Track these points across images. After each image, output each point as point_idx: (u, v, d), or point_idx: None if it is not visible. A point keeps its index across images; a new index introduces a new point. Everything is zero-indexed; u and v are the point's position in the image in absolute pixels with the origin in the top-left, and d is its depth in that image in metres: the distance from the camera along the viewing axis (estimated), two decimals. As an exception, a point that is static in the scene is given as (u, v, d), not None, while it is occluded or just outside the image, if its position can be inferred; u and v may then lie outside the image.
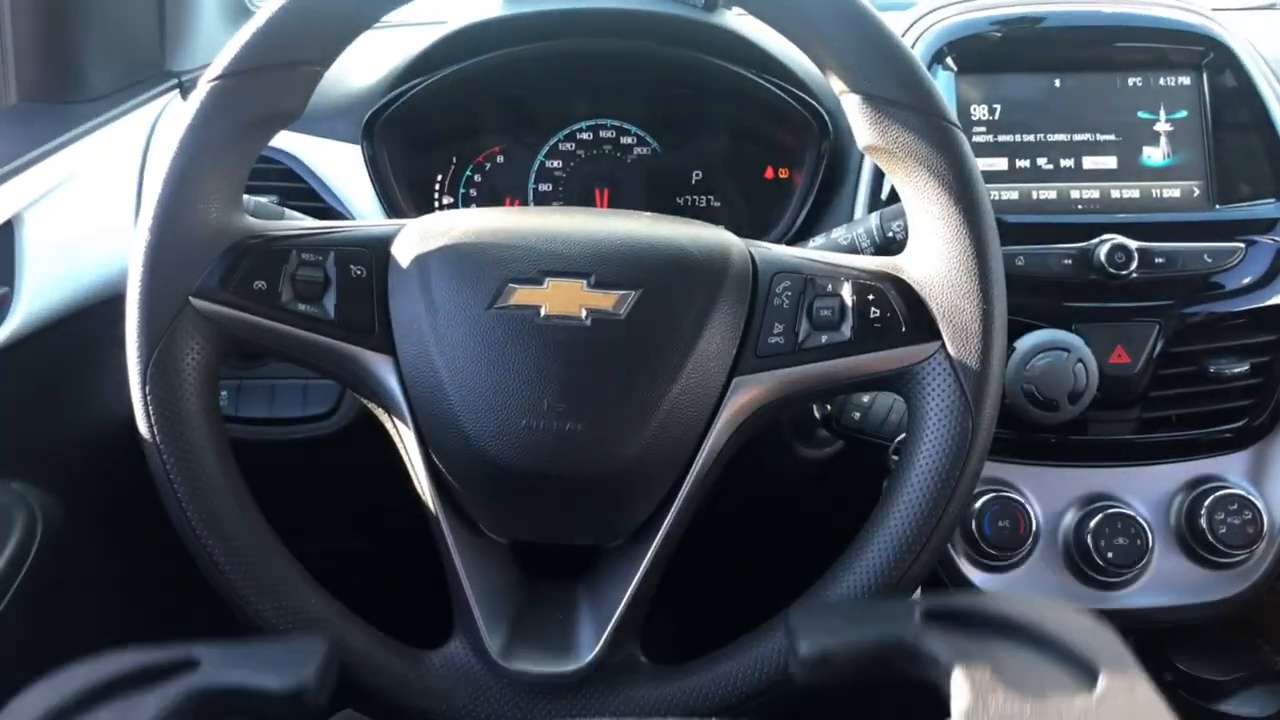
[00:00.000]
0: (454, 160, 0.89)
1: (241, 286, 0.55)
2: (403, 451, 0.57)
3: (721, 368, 0.54)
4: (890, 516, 0.53)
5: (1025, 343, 0.73)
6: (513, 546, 0.59)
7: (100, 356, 0.81)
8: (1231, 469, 0.79)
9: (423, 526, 0.57)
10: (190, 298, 0.54)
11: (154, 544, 0.63)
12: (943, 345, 0.54)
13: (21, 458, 0.76)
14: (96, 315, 0.79)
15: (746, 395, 0.55)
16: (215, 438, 0.54)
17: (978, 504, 0.77)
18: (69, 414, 0.81)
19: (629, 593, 0.55)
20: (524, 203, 0.89)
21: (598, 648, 0.54)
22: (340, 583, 0.58)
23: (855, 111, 0.54)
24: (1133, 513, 0.77)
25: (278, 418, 0.82)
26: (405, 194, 0.85)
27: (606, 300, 0.54)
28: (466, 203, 0.89)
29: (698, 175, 0.89)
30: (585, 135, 0.89)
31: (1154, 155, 0.81)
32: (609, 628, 0.54)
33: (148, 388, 0.53)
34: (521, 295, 0.54)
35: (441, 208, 0.89)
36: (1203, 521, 0.76)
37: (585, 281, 0.54)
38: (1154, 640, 0.83)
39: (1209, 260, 0.77)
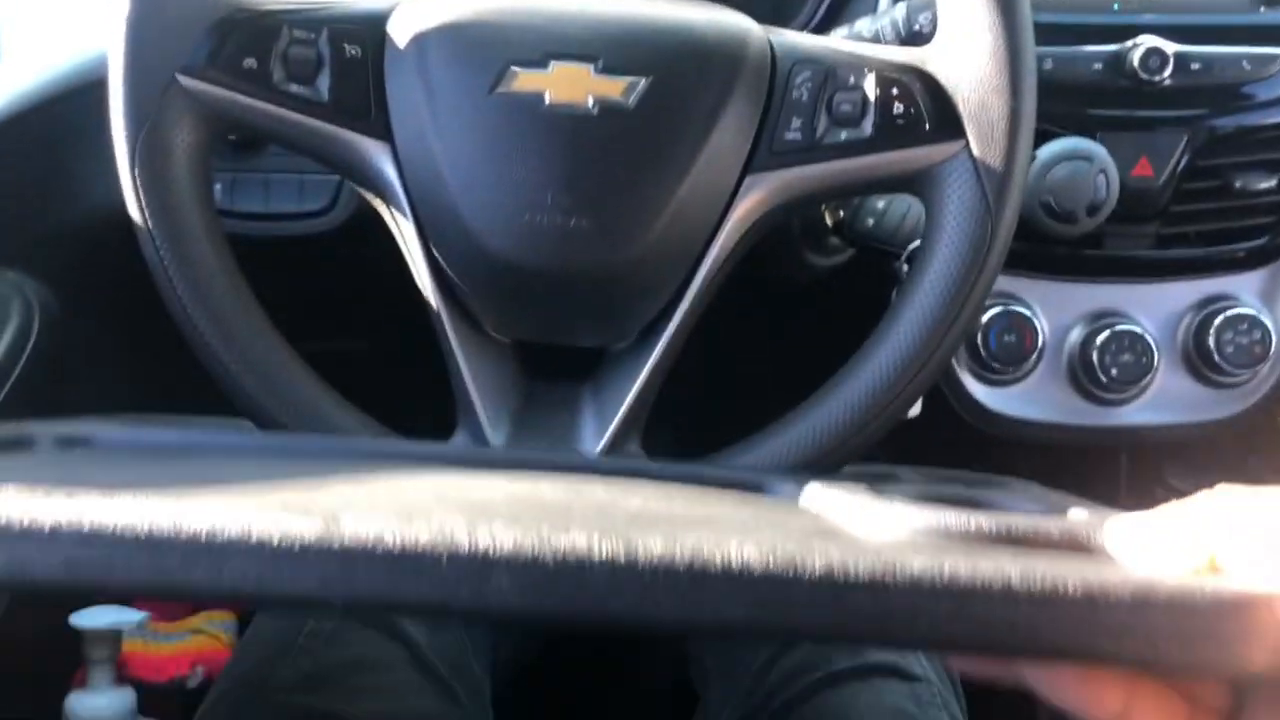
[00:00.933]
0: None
1: (231, 64, 0.51)
2: (402, 245, 0.55)
3: (734, 163, 0.52)
4: (901, 320, 0.52)
5: (1046, 151, 0.71)
6: (516, 346, 0.58)
7: (89, 144, 0.78)
8: (1244, 288, 0.78)
9: (424, 325, 0.56)
10: (177, 74, 0.51)
11: (153, 336, 0.62)
12: (966, 145, 0.51)
13: (15, 248, 0.74)
14: (81, 100, 0.76)
15: (760, 194, 0.53)
16: (210, 226, 0.53)
17: (985, 317, 0.76)
18: (62, 204, 0.79)
19: (633, 393, 0.54)
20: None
21: (602, 442, 0.54)
22: (341, 383, 0.58)
23: None
24: (1140, 330, 0.76)
25: (273, 212, 0.80)
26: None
27: (614, 87, 0.51)
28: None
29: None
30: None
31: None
32: (612, 425, 0.54)
33: (137, 170, 0.51)
34: (524, 80, 0.51)
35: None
36: (1210, 340, 0.76)
37: (592, 66, 0.51)
38: (1151, 458, 0.84)
39: (1247, 67, 0.73)
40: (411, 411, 0.57)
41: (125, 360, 0.57)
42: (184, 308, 0.52)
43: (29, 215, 0.76)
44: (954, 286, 0.51)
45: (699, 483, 0.43)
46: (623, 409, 0.54)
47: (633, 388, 0.54)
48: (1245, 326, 0.75)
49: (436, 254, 0.54)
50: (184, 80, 0.51)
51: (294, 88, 0.52)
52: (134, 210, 0.51)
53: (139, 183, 0.51)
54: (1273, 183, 0.75)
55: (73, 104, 0.75)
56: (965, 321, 0.52)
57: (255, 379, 0.53)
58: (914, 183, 0.53)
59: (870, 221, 0.66)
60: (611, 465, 0.48)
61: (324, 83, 0.52)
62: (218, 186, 0.78)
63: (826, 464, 0.52)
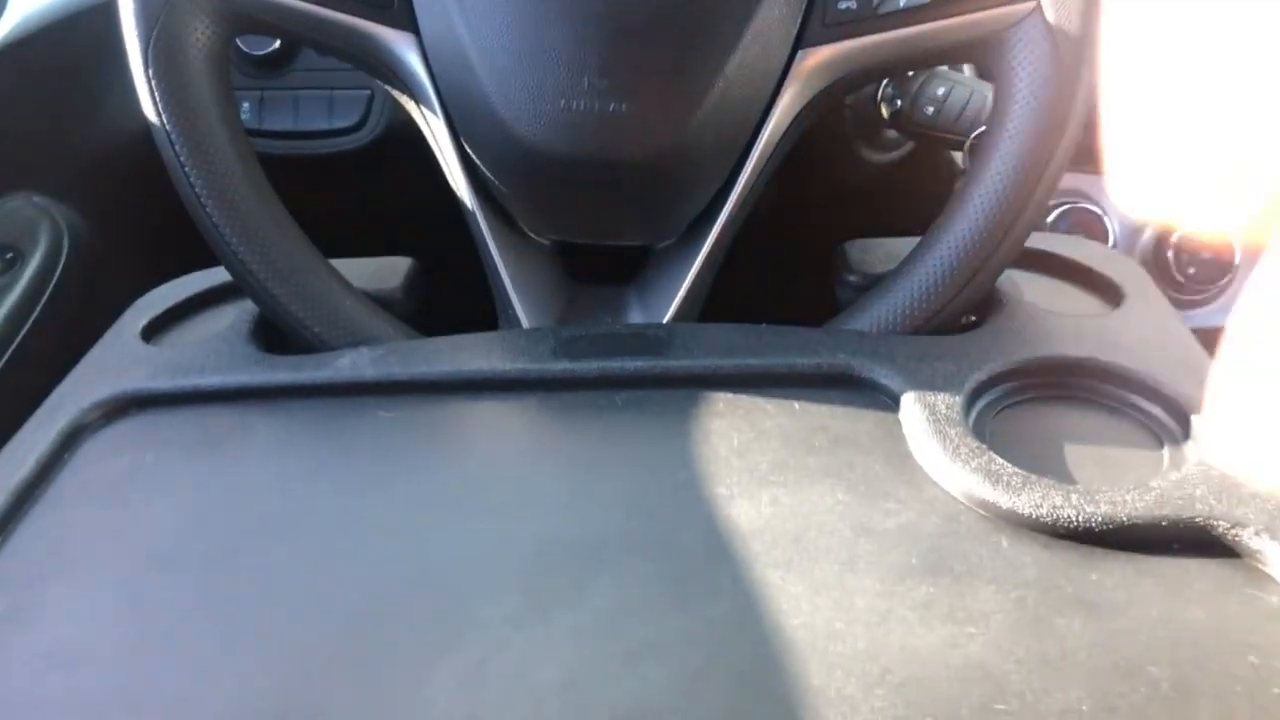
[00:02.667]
0: None
1: None
2: (434, 145, 0.52)
3: (785, 37, 0.48)
4: (969, 204, 0.48)
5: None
6: (557, 249, 0.55)
7: (105, 62, 0.76)
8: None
9: (462, 234, 0.54)
10: None
11: (181, 251, 0.61)
12: (1038, 5, 0.47)
13: (40, 170, 0.73)
14: (96, 18, 0.74)
15: (812, 70, 0.49)
16: (231, 126, 0.50)
17: (1051, 217, 0.72)
18: (83, 124, 0.77)
19: (681, 293, 0.51)
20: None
21: None
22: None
23: None
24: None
25: (303, 130, 0.78)
26: None
27: (654, -41, 0.47)
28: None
29: None
30: None
31: None
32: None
33: (150, 72, 0.48)
34: (558, -44, 0.47)
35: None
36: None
37: (630, -62, 0.47)
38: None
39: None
40: (457, 323, 0.55)
41: (152, 278, 0.55)
42: (207, 212, 0.50)
43: (52, 137, 0.75)
44: (1026, 163, 0.48)
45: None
46: (671, 309, 0.51)
47: (681, 287, 0.51)
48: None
49: (470, 150, 0.51)
50: None
51: None
52: (150, 113, 0.49)
53: (153, 85, 0.49)
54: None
55: (87, 22, 0.73)
56: (1041, 199, 0.48)
57: (284, 286, 0.50)
58: (981, 51, 0.49)
59: (930, 110, 0.62)
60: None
61: None
62: (245, 105, 0.76)
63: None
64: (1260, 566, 0.34)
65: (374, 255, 0.56)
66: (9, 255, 0.67)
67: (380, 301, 0.53)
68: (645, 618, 0.34)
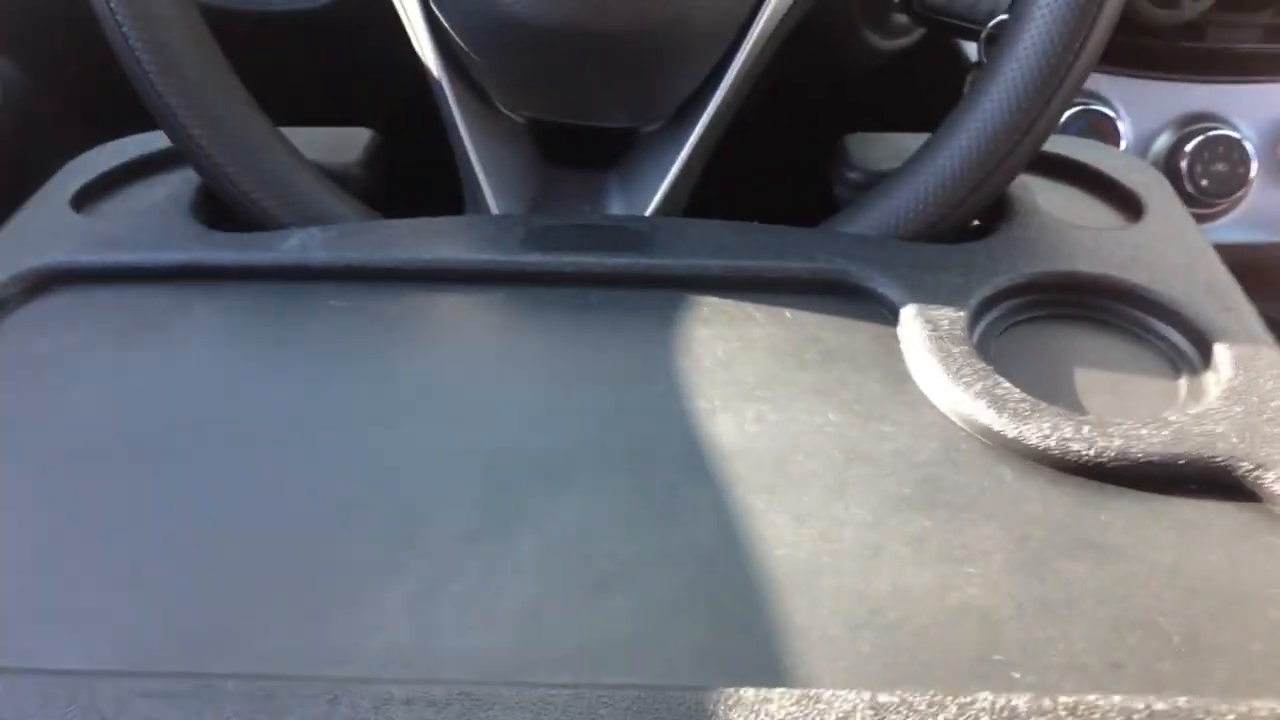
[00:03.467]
0: None
1: None
2: (399, 5, 0.47)
3: None
4: (984, 100, 0.44)
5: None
6: (532, 127, 0.51)
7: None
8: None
9: (429, 107, 0.49)
10: None
11: (124, 115, 0.56)
12: None
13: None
14: None
15: (822, -62, 0.44)
16: None
17: (1061, 119, 0.67)
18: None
19: (667, 183, 0.47)
20: None
21: None
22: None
23: None
24: (1237, 135, 0.68)
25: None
26: None
27: None
28: None
29: None
30: None
31: None
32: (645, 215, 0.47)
33: None
34: None
35: None
36: (1317, 148, 0.67)
37: None
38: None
39: None
40: (420, 203, 0.50)
41: (92, 143, 0.50)
42: (143, 69, 0.45)
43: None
44: (1050, 61, 0.43)
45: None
46: (656, 198, 0.47)
47: (667, 175, 0.47)
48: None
49: (438, 13, 0.46)
50: None
51: None
52: None
53: None
54: None
55: None
56: (1065, 97, 0.43)
57: (230, 155, 0.46)
58: None
59: (945, -7, 0.57)
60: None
61: None
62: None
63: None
64: None
65: (334, 121, 0.51)
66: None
67: (336, 176, 0.49)
68: (614, 540, 0.31)
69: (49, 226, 0.45)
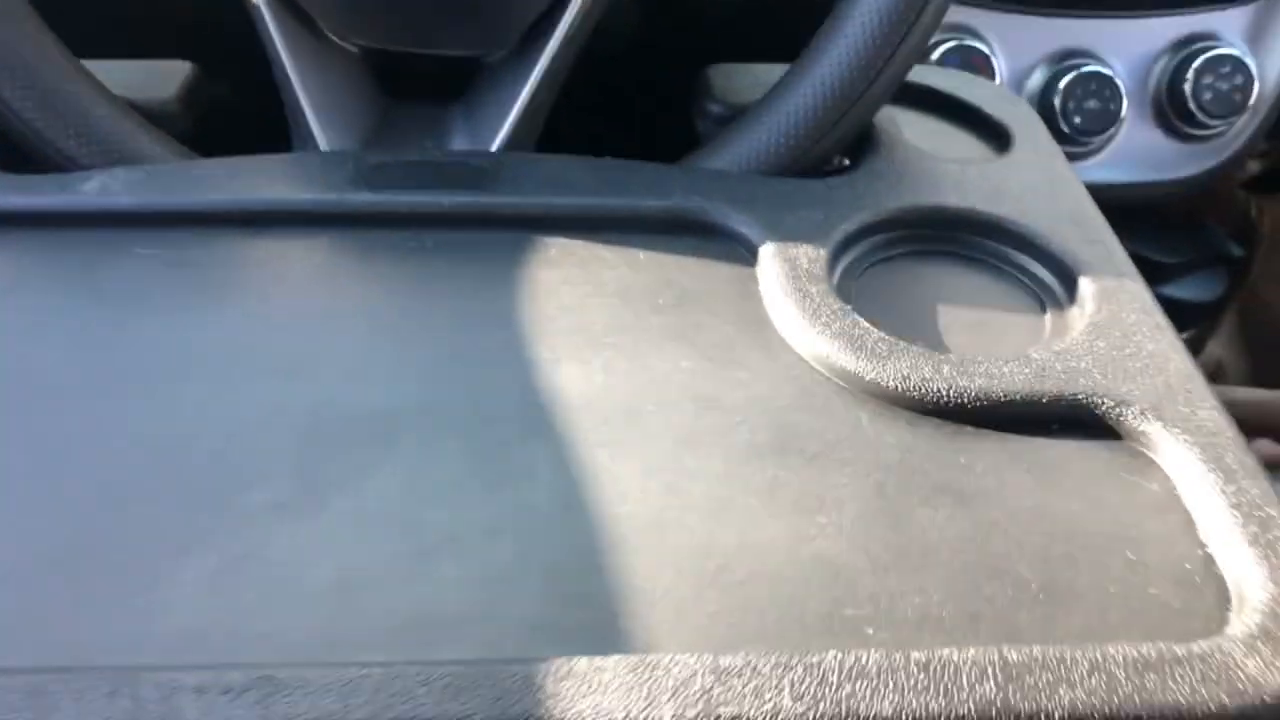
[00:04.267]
0: None
1: None
2: None
3: None
4: (846, 26, 0.42)
5: None
6: (366, 57, 0.46)
7: None
8: (1229, 26, 0.69)
9: (250, 35, 0.44)
10: None
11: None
12: None
13: None
14: None
15: None
16: None
17: (935, 54, 0.66)
18: None
19: (512, 115, 0.44)
20: None
21: None
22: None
23: None
24: (1110, 72, 0.67)
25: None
26: None
27: None
28: None
29: None
30: None
31: None
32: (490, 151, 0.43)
33: None
34: None
35: None
36: (1187, 85, 0.67)
37: None
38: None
39: None
40: (245, 142, 0.46)
41: None
42: None
43: None
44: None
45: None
46: (502, 132, 0.43)
47: (513, 109, 0.43)
48: (1227, 70, 0.67)
49: (253, -74, 0.41)
50: None
51: None
52: None
53: None
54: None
55: None
56: (928, 24, 0.41)
57: (21, 89, 0.41)
58: None
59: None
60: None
61: None
62: None
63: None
64: (1144, 451, 0.31)
65: (145, 52, 0.47)
66: None
67: (149, 114, 0.44)
68: (443, 505, 0.28)
69: None
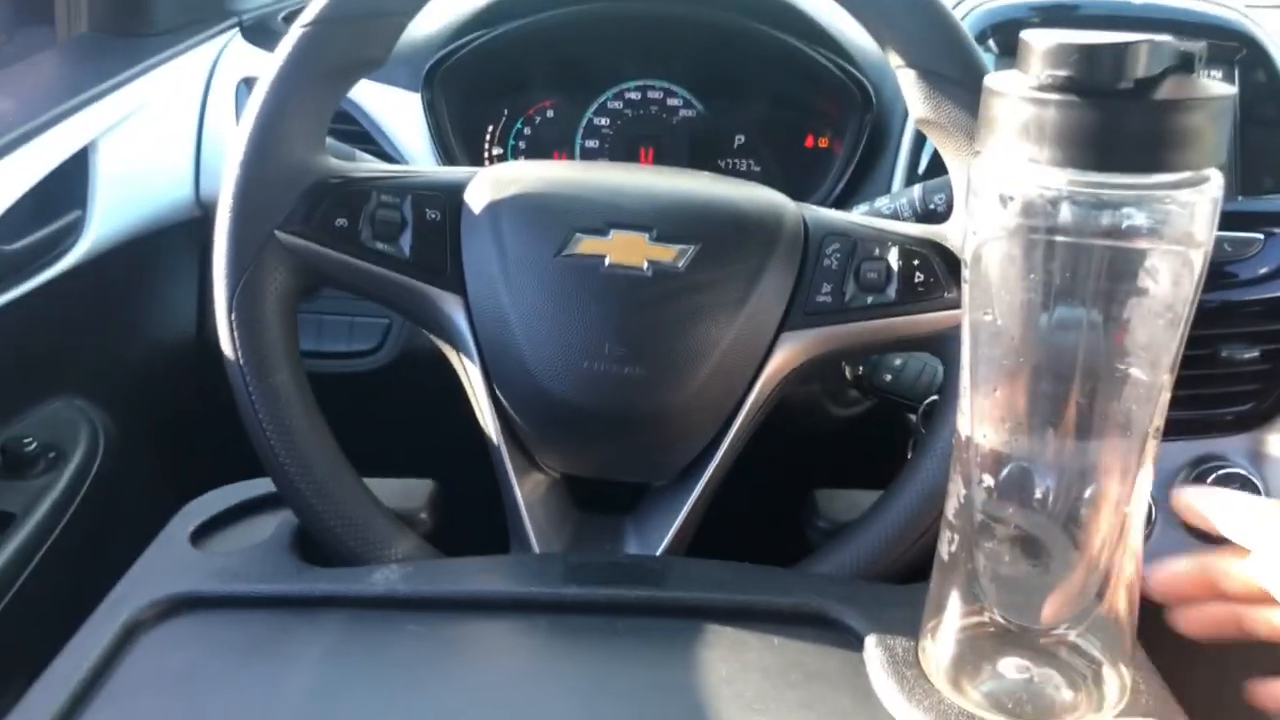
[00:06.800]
0: (505, 112, 0.92)
1: (324, 223, 0.58)
2: (467, 386, 0.60)
3: (771, 322, 0.58)
4: (920, 470, 0.57)
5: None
6: (566, 481, 0.63)
7: (152, 284, 0.84)
8: (1234, 450, 0.83)
9: (475, 460, 0.61)
10: (276, 231, 0.57)
11: (206, 459, 0.67)
12: None
13: (85, 376, 0.79)
14: (157, 244, 0.83)
15: (793, 349, 0.58)
16: (294, 363, 0.58)
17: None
18: (131, 335, 0.84)
19: (674, 527, 0.59)
20: (570, 158, 0.92)
21: None
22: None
23: (911, 86, 0.57)
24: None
25: (325, 351, 0.86)
26: (458, 143, 0.88)
27: (667, 253, 0.57)
28: (515, 154, 0.92)
29: (740, 139, 0.92)
30: (633, 95, 0.92)
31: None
32: (656, 554, 0.58)
33: (233, 313, 0.56)
34: (587, 245, 0.57)
35: (491, 159, 0.92)
36: (1204, 498, 0.80)
37: (648, 235, 0.57)
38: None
39: (1228, 249, 0.80)
40: (467, 544, 0.61)
41: (169, 487, 0.61)
42: (265, 434, 0.56)
43: (100, 348, 0.82)
44: None
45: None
46: (666, 539, 0.58)
47: (674, 522, 0.58)
48: (1236, 485, 0.80)
49: (500, 395, 0.59)
50: (282, 236, 0.57)
51: (379, 245, 0.58)
52: (227, 347, 0.57)
53: (234, 324, 0.56)
54: (1255, 353, 0.81)
55: (150, 247, 0.81)
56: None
57: (326, 504, 0.57)
58: (932, 342, 0.58)
59: (888, 377, 0.72)
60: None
61: (406, 242, 0.58)
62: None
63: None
64: None
65: (384, 467, 0.63)
66: (52, 454, 0.74)
67: (405, 519, 0.60)
68: None
69: (173, 560, 0.55)
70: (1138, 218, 0.38)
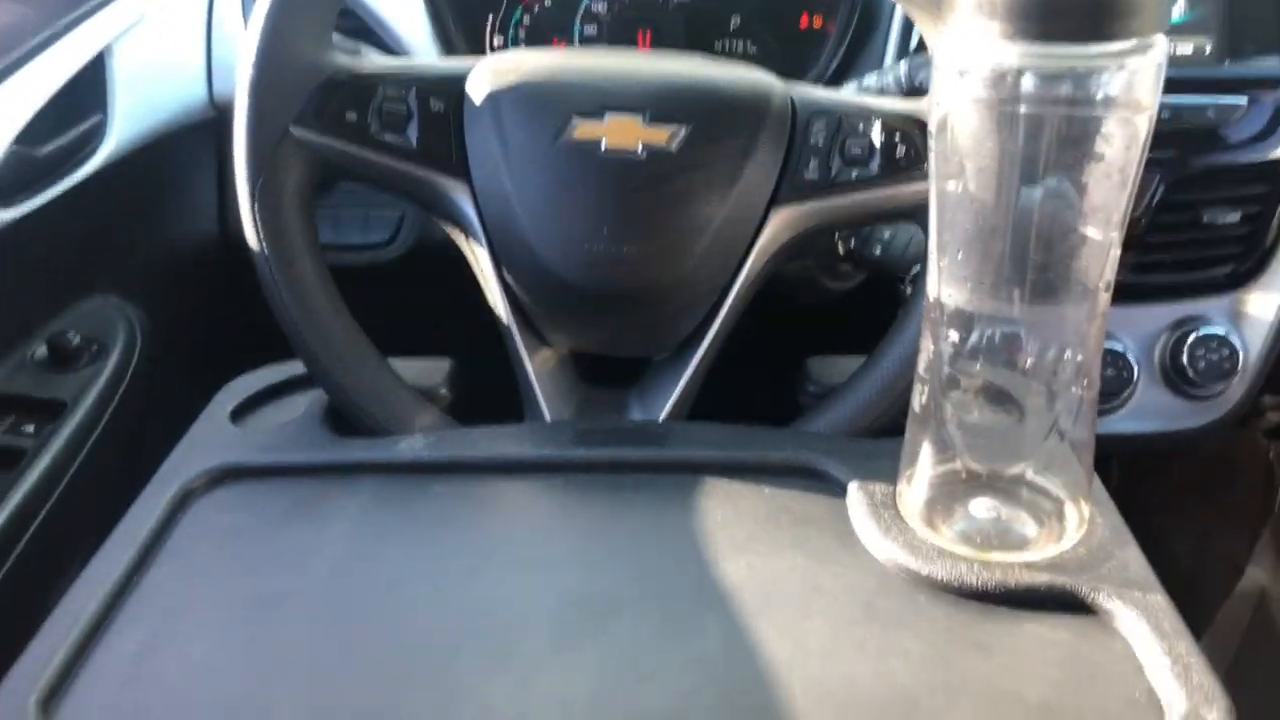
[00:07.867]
0: (505, 1, 0.93)
1: (335, 118, 0.60)
2: (477, 270, 0.64)
3: (762, 198, 0.61)
4: (902, 333, 0.61)
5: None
6: (573, 356, 0.67)
7: (180, 182, 0.88)
8: (1214, 311, 0.86)
9: (487, 339, 0.65)
10: (291, 127, 0.60)
11: (236, 346, 0.71)
12: None
13: (118, 273, 0.84)
14: (176, 144, 0.86)
15: (783, 224, 0.61)
16: (314, 253, 0.61)
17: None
18: (157, 233, 0.88)
19: (674, 395, 0.63)
20: (570, 44, 0.94)
21: None
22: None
23: None
24: (1121, 348, 0.85)
25: (341, 243, 0.90)
26: (459, 33, 0.90)
27: (660, 135, 0.59)
28: (516, 43, 0.94)
29: (736, 21, 0.93)
30: (629, -21, 0.93)
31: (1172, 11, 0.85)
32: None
33: (256, 206, 0.60)
34: (584, 129, 0.59)
35: (492, 48, 0.94)
36: (1184, 358, 0.84)
37: (642, 117, 0.59)
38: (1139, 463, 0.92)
39: (1212, 115, 0.82)
40: (483, 416, 0.66)
41: (203, 372, 0.66)
42: (292, 319, 0.61)
43: (133, 245, 0.86)
44: None
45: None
46: (667, 407, 0.62)
47: (674, 391, 0.63)
48: (1215, 345, 0.84)
49: (508, 277, 0.63)
50: (296, 131, 0.60)
51: (388, 137, 0.61)
52: (252, 240, 0.60)
53: (257, 217, 0.60)
54: (1237, 217, 0.83)
55: (170, 146, 0.85)
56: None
57: (352, 381, 0.61)
58: (914, 212, 0.61)
59: (878, 249, 0.75)
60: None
61: (413, 132, 0.61)
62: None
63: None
64: (1110, 623, 0.46)
65: (405, 351, 0.67)
66: (94, 348, 0.78)
67: (427, 395, 0.64)
68: (650, 651, 0.44)
69: (216, 435, 0.60)
70: (1088, 86, 0.41)
